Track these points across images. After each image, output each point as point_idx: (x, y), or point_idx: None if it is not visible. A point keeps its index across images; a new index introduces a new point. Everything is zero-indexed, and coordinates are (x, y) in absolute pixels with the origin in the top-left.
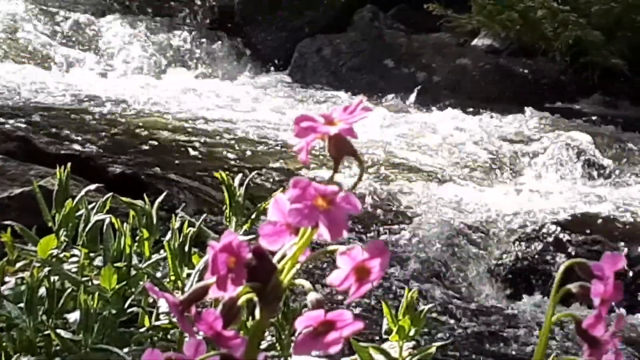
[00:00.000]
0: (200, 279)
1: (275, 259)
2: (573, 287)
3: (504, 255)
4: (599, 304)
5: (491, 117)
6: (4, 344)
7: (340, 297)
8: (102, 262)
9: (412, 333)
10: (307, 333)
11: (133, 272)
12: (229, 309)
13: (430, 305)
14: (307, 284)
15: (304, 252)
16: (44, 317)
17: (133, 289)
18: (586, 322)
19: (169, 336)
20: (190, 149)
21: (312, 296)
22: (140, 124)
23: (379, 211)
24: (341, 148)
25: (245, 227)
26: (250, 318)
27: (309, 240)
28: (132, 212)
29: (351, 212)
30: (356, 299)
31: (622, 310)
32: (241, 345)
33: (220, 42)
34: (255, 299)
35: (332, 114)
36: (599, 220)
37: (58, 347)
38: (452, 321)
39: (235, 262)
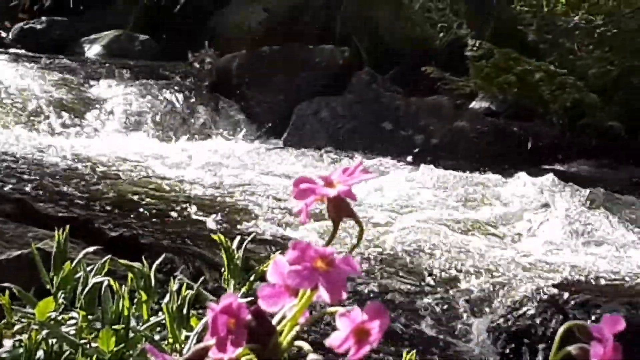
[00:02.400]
0: (199, 341)
1: (274, 321)
2: (572, 349)
3: (503, 317)
4: None
5: (488, 178)
6: None
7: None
8: (100, 324)
9: None
10: None
11: (131, 335)
12: None
13: None
14: (306, 346)
15: (303, 313)
16: None
17: (131, 352)
18: None
19: None
20: (187, 212)
21: (311, 357)
22: (137, 186)
23: (375, 271)
24: (340, 210)
25: (243, 289)
26: None
27: (309, 302)
28: (130, 275)
29: (351, 274)
30: None
31: None
32: None
33: (217, 105)
34: None
35: (331, 175)
36: (598, 282)
37: None
38: None
39: (235, 324)
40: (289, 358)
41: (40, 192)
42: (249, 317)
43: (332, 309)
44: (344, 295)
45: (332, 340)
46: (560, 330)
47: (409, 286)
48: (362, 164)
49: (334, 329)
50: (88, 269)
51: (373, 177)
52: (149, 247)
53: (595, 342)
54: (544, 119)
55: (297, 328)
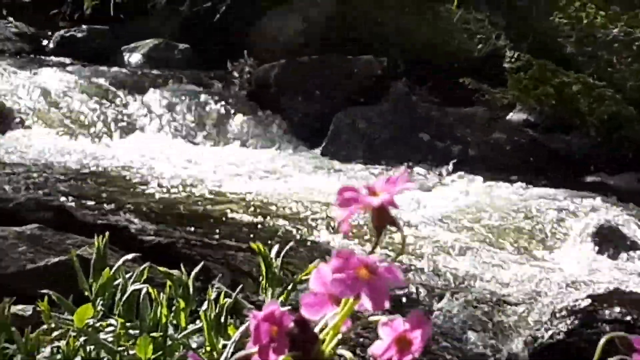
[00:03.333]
0: (238, 349)
1: (317, 329)
2: None
3: (539, 330)
4: None
5: (525, 191)
6: None
7: None
8: (138, 332)
9: None
10: None
11: (169, 342)
12: None
13: None
14: (348, 354)
15: (345, 322)
16: None
17: (169, 359)
18: None
19: None
20: (225, 220)
21: None
22: (176, 194)
23: (412, 285)
24: (383, 219)
25: (281, 298)
26: None
27: (351, 310)
28: (168, 282)
29: (394, 283)
30: None
31: None
32: None
33: (255, 113)
34: None
35: (374, 184)
36: (633, 296)
37: None
38: None
39: (277, 332)
40: None
41: (79, 200)
42: (291, 325)
43: (375, 317)
44: (387, 304)
45: (375, 349)
46: (602, 341)
47: (442, 298)
48: (406, 173)
49: (377, 337)
50: (127, 276)
51: (415, 187)
52: (187, 255)
53: (637, 353)
54: (581, 131)
55: (339, 336)
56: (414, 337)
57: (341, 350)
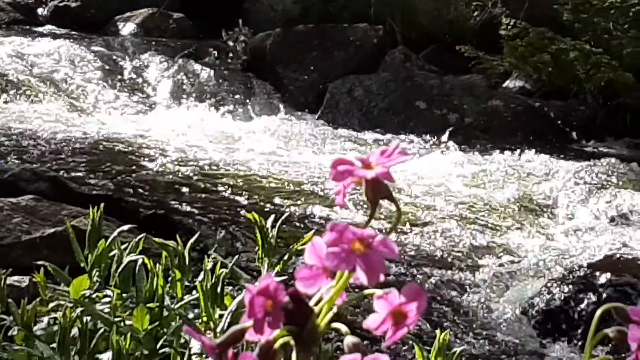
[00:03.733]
0: (233, 320)
1: (311, 303)
2: (610, 331)
3: (536, 297)
4: (635, 348)
5: (522, 158)
6: None
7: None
8: (134, 302)
9: None
10: None
11: (165, 313)
12: (265, 353)
13: (462, 347)
14: (344, 328)
15: (340, 295)
16: (77, 358)
17: (165, 330)
18: None
19: None
20: (221, 190)
21: (349, 340)
22: (171, 164)
23: (409, 255)
24: (378, 192)
25: (277, 268)
26: None
27: (346, 283)
28: (164, 253)
29: (388, 256)
30: (393, 343)
31: None
32: None
33: (251, 83)
34: (292, 342)
35: (369, 157)
36: (630, 262)
37: None
38: None
39: (272, 306)
40: (326, 340)
41: (74, 170)
42: (286, 299)
43: (370, 291)
44: (382, 278)
45: (370, 323)
46: (598, 312)
47: (440, 267)
48: (399, 146)
49: (372, 311)
50: (122, 247)
51: (410, 159)
52: (182, 225)
53: (633, 324)
54: (578, 98)
55: (335, 310)
56: (409, 310)
57: (336, 324)
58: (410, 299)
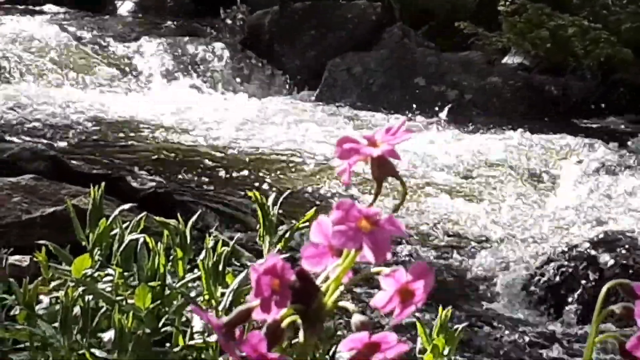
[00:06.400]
0: (235, 298)
1: (318, 281)
2: (616, 307)
3: (537, 273)
4: None
5: (521, 134)
6: None
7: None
8: (136, 281)
9: (446, 352)
10: (352, 356)
11: (167, 292)
12: (273, 331)
13: (465, 324)
14: (351, 306)
15: (347, 274)
16: (79, 337)
17: (167, 308)
18: (630, 344)
19: (203, 356)
20: (221, 168)
21: (356, 318)
22: (171, 143)
23: (411, 230)
24: (384, 170)
25: (278, 246)
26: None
27: (352, 262)
28: (165, 232)
29: (395, 234)
30: (400, 321)
31: None
32: None
33: (249, 61)
34: (299, 321)
35: (374, 135)
36: (631, 238)
37: None
38: (485, 340)
39: (279, 285)
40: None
41: (73, 149)
42: (293, 277)
43: (377, 269)
44: (389, 256)
45: (377, 301)
46: (604, 289)
47: (438, 243)
48: (405, 123)
49: (379, 289)
50: (123, 226)
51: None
52: (183, 203)
53: (639, 300)
54: (577, 74)
55: (341, 288)
56: (416, 288)
57: (343, 303)
58: (417, 277)
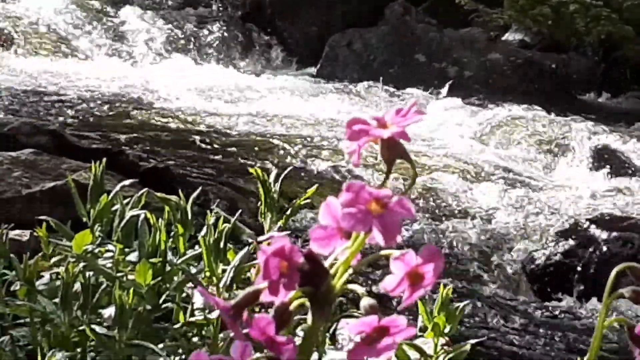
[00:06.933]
0: (236, 275)
1: (327, 264)
2: (625, 291)
3: (538, 253)
4: None
5: (522, 111)
6: (38, 339)
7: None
8: (137, 257)
9: (447, 330)
10: (361, 339)
11: (168, 268)
12: (281, 314)
13: (465, 303)
14: (360, 289)
15: (356, 256)
16: (79, 313)
17: (168, 285)
18: (639, 328)
19: (203, 332)
20: (223, 144)
21: (365, 301)
22: (172, 117)
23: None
24: (394, 151)
25: (280, 223)
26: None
27: (362, 244)
28: (166, 208)
29: (405, 216)
30: (410, 304)
31: None
32: (293, 350)
33: (250, 35)
34: (308, 303)
35: (384, 116)
36: (632, 218)
37: (93, 343)
38: (486, 319)
39: (287, 267)
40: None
41: (74, 124)
42: (301, 260)
43: (386, 252)
44: (399, 239)
45: (386, 284)
46: (613, 272)
47: (438, 222)
48: (415, 104)
49: (388, 272)
50: (124, 202)
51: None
52: (185, 179)
53: None
54: (578, 51)
55: (350, 271)
56: (426, 271)
57: (352, 285)
58: (427, 260)
